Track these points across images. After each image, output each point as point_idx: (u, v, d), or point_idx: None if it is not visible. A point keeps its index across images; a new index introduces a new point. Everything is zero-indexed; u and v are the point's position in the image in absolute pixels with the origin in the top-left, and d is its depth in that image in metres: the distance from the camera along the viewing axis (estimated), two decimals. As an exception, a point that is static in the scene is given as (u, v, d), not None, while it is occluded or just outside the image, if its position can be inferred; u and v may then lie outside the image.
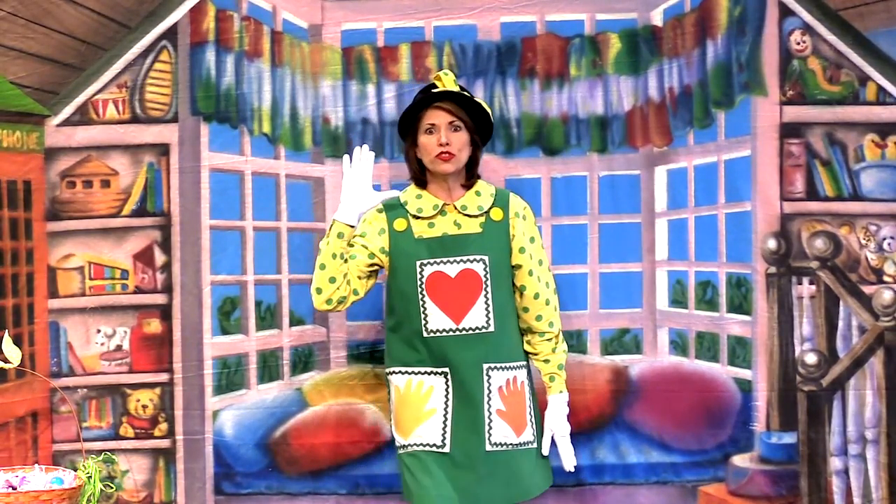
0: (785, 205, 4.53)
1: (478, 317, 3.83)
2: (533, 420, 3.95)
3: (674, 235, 4.60)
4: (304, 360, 4.61)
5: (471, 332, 3.83)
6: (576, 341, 4.57)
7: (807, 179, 4.53)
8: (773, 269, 4.53)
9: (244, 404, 4.59)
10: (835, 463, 4.54)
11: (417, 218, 3.86)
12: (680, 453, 4.57)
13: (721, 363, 4.57)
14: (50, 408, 4.56)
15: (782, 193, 4.53)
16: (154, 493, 4.60)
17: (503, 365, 3.86)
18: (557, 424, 3.94)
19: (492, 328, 3.84)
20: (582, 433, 4.51)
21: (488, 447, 3.83)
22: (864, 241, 4.52)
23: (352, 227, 3.83)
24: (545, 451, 3.94)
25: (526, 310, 3.92)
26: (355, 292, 3.89)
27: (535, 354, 3.96)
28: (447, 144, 3.79)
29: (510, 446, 3.85)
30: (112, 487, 4.03)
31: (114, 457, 4.42)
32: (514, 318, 3.92)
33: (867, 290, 4.52)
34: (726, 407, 4.56)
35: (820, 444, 4.53)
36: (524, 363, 3.94)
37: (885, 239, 4.52)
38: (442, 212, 3.87)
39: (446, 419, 3.82)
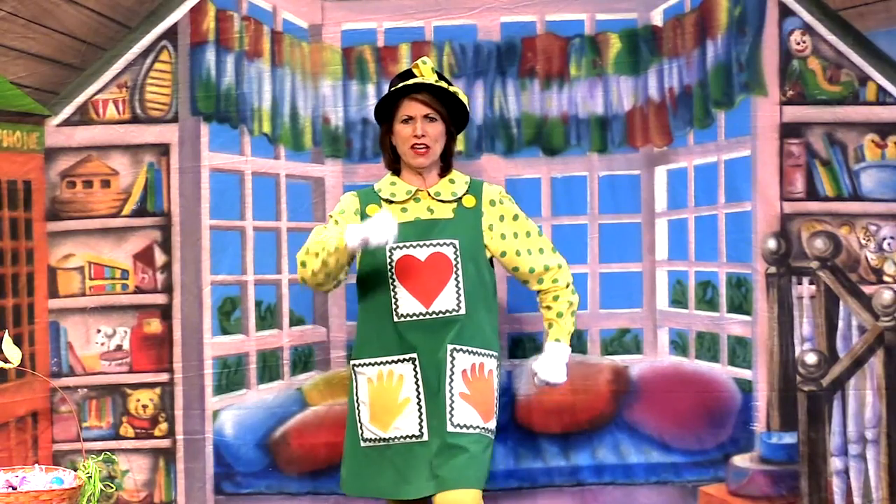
0: (785, 205, 4.52)
1: (448, 300, 3.79)
2: (498, 414, 3.86)
3: (674, 235, 4.59)
4: (304, 360, 4.61)
5: (441, 315, 3.78)
6: (576, 341, 4.55)
7: (807, 179, 4.52)
8: (773, 269, 4.53)
9: (244, 404, 4.59)
10: (835, 463, 4.54)
11: (391, 203, 3.85)
12: (680, 453, 4.56)
13: (721, 363, 4.57)
14: (50, 408, 4.56)
15: (782, 193, 4.53)
16: (154, 493, 4.60)
17: (470, 349, 3.80)
18: (549, 370, 3.86)
19: (462, 311, 3.79)
20: (582, 433, 4.52)
21: (450, 427, 3.74)
22: (864, 241, 4.52)
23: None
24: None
25: (526, 282, 3.91)
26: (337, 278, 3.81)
27: (541, 304, 3.92)
28: (423, 136, 3.80)
29: (477, 429, 3.76)
30: (112, 487, 4.02)
31: (114, 457, 4.42)
32: (489, 306, 3.87)
33: (867, 290, 4.51)
34: (726, 407, 4.55)
35: (820, 445, 4.53)
36: (495, 354, 3.86)
37: (885, 239, 4.52)
38: (415, 197, 3.86)
39: (421, 407, 3.78)
